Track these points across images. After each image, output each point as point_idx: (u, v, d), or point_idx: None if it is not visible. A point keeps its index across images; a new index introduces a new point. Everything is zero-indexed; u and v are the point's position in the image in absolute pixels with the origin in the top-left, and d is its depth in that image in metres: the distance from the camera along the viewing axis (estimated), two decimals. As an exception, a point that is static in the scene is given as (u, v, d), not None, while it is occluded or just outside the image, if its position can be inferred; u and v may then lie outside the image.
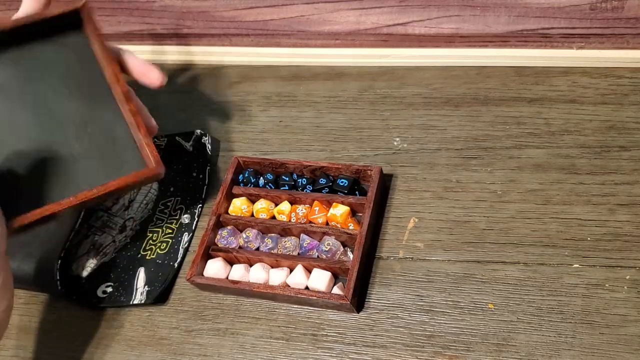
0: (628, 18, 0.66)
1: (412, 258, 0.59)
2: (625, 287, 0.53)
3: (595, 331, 0.52)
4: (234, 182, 0.65)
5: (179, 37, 0.81)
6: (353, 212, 0.61)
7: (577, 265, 0.55)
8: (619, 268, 0.55)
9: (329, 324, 0.57)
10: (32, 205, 0.52)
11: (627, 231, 0.56)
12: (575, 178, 0.61)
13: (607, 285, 0.54)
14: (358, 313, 0.57)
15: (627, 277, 0.54)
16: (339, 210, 0.60)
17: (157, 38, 0.83)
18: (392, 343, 0.55)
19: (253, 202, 0.64)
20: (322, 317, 0.58)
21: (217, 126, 0.75)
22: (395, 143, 0.68)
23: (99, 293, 0.63)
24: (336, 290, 0.57)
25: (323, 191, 0.63)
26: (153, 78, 0.60)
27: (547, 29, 0.69)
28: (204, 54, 0.82)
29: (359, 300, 0.57)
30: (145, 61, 0.60)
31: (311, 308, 0.58)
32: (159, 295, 0.62)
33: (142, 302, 0.61)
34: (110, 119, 0.57)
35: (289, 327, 0.58)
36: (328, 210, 0.61)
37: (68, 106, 0.57)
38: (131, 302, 0.61)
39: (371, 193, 0.60)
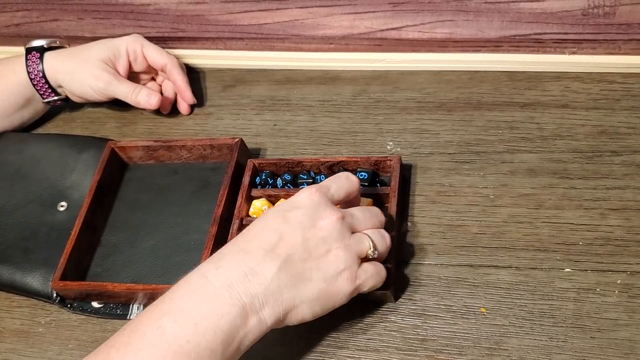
0: (620, 24, 0.66)
1: (404, 262, 0.59)
2: (616, 292, 0.54)
3: (587, 335, 0.52)
4: (252, 185, 0.65)
5: (173, 41, 0.82)
6: (376, 204, 0.61)
7: (569, 270, 0.56)
8: (610, 272, 0.55)
9: (322, 327, 0.57)
10: None
11: (618, 236, 0.57)
12: (567, 182, 0.61)
13: (598, 289, 0.54)
14: (395, 302, 0.57)
15: (618, 282, 0.54)
16: (363, 203, 0.60)
17: (152, 41, 0.82)
18: (385, 347, 0.55)
19: (273, 203, 0.64)
20: (314, 321, 0.58)
21: (211, 130, 0.75)
22: (388, 147, 0.68)
23: (95, 304, 0.63)
24: None
25: None
26: (187, 97, 0.76)
27: (540, 34, 0.69)
28: (198, 58, 0.82)
29: (396, 288, 0.57)
30: (186, 80, 0.77)
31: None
32: None
33: None
34: None
35: (282, 330, 0.58)
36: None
37: None
38: (128, 317, 0.61)
39: (394, 182, 0.61)
